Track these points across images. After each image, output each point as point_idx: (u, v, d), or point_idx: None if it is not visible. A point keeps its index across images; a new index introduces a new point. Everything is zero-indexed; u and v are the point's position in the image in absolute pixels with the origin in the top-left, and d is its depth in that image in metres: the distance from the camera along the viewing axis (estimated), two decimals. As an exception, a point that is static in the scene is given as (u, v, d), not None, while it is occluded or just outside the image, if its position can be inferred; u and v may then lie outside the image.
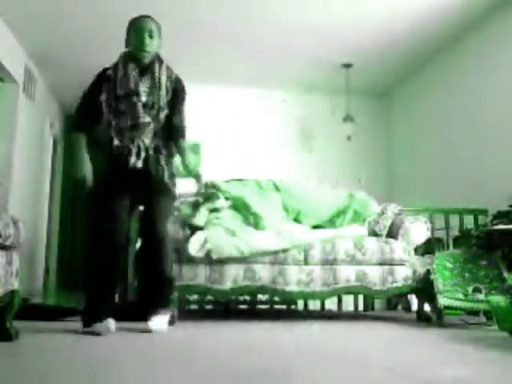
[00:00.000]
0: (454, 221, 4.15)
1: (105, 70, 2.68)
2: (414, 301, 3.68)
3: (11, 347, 2.07)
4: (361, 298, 4.30)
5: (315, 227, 3.52)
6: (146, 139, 2.54)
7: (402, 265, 3.27)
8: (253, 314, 3.79)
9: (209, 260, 3.04)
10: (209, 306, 4.05)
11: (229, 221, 3.36)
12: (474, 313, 3.31)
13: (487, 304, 2.73)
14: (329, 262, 3.20)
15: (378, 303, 4.62)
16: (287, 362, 1.83)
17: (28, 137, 5.38)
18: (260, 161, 5.81)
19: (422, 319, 3.26)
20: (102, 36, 4.91)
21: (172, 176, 2.74)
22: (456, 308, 3.12)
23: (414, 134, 5.85)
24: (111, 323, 2.45)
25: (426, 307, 3.29)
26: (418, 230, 3.40)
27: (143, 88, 2.54)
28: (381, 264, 3.24)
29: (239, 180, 3.71)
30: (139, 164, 2.52)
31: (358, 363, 1.82)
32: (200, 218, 3.30)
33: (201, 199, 3.47)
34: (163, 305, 2.58)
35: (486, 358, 1.97)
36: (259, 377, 1.60)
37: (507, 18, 4.27)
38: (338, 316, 3.71)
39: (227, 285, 3.06)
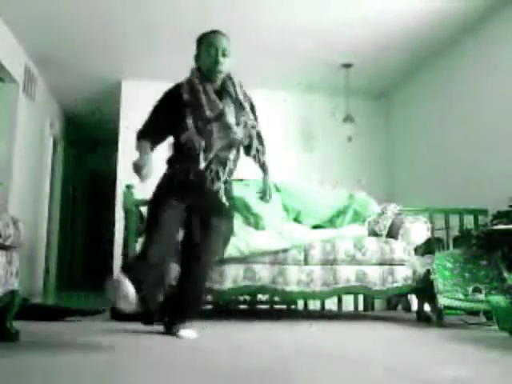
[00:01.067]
0: (454, 221, 4.15)
1: (180, 89, 2.55)
2: (414, 301, 3.68)
3: (11, 347, 2.07)
4: (361, 297, 4.30)
5: (315, 227, 3.52)
6: (228, 162, 2.51)
7: (402, 265, 3.26)
8: (253, 313, 3.79)
9: (209, 260, 3.03)
10: (209, 306, 4.05)
11: (229, 221, 3.36)
12: (473, 313, 3.31)
13: (487, 304, 2.73)
14: (329, 262, 3.20)
15: (378, 303, 4.62)
16: (287, 362, 1.83)
17: (28, 137, 5.38)
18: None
19: (422, 319, 3.26)
20: (102, 36, 4.92)
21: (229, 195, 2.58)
22: (456, 308, 3.12)
23: (414, 134, 5.85)
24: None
25: (426, 307, 3.29)
26: (418, 230, 3.40)
27: (228, 108, 2.44)
28: (381, 264, 3.24)
29: (239, 180, 3.71)
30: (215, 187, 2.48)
31: (357, 363, 1.82)
32: (200, 218, 3.29)
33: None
34: (189, 318, 2.49)
35: (486, 358, 1.97)
36: (259, 377, 1.60)
37: (504, 20, 4.27)
38: (337, 316, 3.71)
39: (227, 285, 3.06)
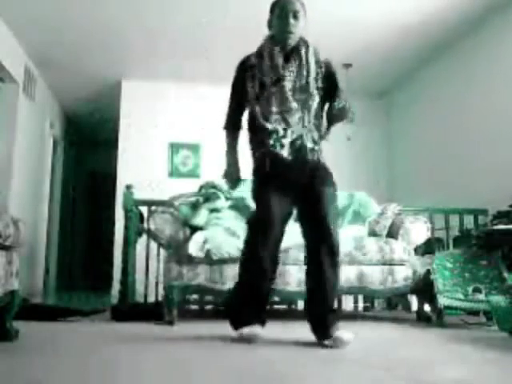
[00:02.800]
0: (454, 221, 4.15)
1: (248, 57, 2.43)
2: (414, 301, 3.68)
3: (11, 347, 2.07)
4: (361, 297, 4.30)
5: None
6: (296, 127, 2.30)
7: (402, 265, 3.26)
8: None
9: (209, 260, 3.04)
10: (209, 306, 4.05)
11: (229, 221, 3.36)
12: (473, 313, 3.31)
13: (487, 304, 2.73)
14: (329, 262, 3.20)
15: (378, 303, 4.62)
16: (287, 362, 1.83)
17: (28, 137, 5.38)
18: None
19: (422, 319, 3.26)
20: (102, 36, 4.92)
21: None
22: (456, 308, 3.12)
23: (413, 134, 5.85)
24: (258, 329, 2.25)
25: (426, 307, 3.29)
26: (418, 230, 3.40)
27: (289, 73, 2.31)
28: (381, 264, 3.23)
29: (239, 180, 3.70)
30: (288, 156, 2.28)
31: (357, 363, 1.82)
32: (200, 218, 3.30)
33: (201, 199, 3.47)
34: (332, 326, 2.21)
35: (485, 358, 1.97)
36: (259, 377, 1.60)
37: (505, 20, 4.27)
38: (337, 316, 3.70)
39: (227, 285, 3.06)
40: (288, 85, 2.30)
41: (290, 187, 2.31)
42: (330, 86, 2.38)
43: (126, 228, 3.69)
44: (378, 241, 3.32)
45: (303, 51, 2.36)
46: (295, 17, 2.32)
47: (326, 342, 2.14)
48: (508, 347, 2.25)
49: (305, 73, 2.33)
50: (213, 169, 5.78)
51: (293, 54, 2.35)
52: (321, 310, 2.25)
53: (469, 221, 4.12)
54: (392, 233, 3.47)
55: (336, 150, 6.21)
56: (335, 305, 2.38)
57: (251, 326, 2.23)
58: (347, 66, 5.45)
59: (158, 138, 6.01)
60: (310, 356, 1.96)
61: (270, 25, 2.43)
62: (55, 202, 6.82)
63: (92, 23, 4.66)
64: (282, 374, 1.63)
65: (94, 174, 8.72)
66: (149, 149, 5.97)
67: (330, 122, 2.45)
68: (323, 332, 2.19)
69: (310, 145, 2.31)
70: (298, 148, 2.29)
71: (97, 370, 1.68)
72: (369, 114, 6.22)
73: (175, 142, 6.04)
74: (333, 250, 2.24)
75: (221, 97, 6.95)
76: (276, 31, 2.37)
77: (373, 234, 3.54)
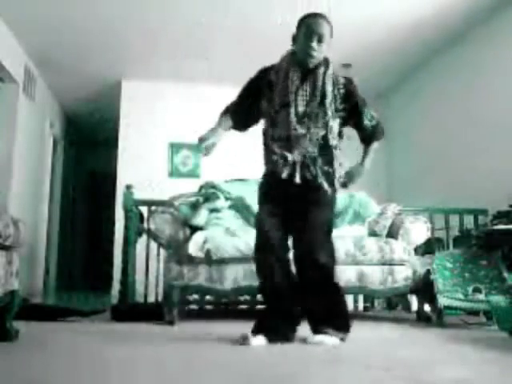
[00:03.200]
0: (454, 221, 4.15)
1: (269, 69, 2.37)
2: (414, 301, 3.68)
3: (11, 347, 2.07)
4: (361, 297, 4.30)
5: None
6: (298, 151, 2.27)
7: (402, 265, 3.26)
8: (253, 314, 3.78)
9: (209, 260, 3.04)
10: (209, 306, 4.05)
11: (229, 221, 3.36)
12: (473, 313, 3.31)
13: (487, 304, 2.73)
14: (329, 262, 3.19)
15: (378, 303, 4.61)
16: (287, 362, 1.83)
17: (28, 137, 5.38)
18: (260, 161, 5.79)
19: (422, 319, 3.26)
20: (102, 36, 4.92)
21: (332, 185, 2.34)
22: (456, 308, 3.12)
23: (413, 133, 5.85)
24: (259, 340, 2.16)
25: (426, 307, 3.29)
26: (418, 230, 3.40)
27: (301, 97, 2.28)
28: (381, 264, 3.23)
29: (239, 180, 3.71)
30: (293, 177, 2.26)
31: (357, 363, 1.82)
32: (200, 218, 3.30)
33: (201, 199, 3.47)
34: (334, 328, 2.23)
35: (485, 358, 1.97)
36: (258, 377, 1.60)
37: (505, 20, 4.27)
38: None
39: (227, 285, 3.06)
40: (294, 111, 2.27)
41: (287, 206, 2.30)
42: (351, 106, 2.39)
43: (126, 228, 3.69)
44: (378, 241, 3.32)
45: (321, 72, 2.31)
46: (320, 40, 2.26)
47: (308, 340, 2.18)
48: (508, 347, 2.25)
49: (318, 96, 2.29)
50: (213, 169, 5.79)
51: (310, 74, 2.30)
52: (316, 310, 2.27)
53: (469, 221, 4.11)
54: (392, 233, 3.47)
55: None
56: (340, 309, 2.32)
57: (257, 336, 2.17)
58: (347, 66, 5.45)
59: (158, 138, 6.01)
60: (310, 356, 1.96)
61: (294, 40, 2.37)
62: (55, 202, 6.83)
63: (92, 23, 4.66)
64: (281, 374, 1.63)
65: (94, 173, 8.72)
66: (149, 149, 5.97)
67: (368, 143, 2.55)
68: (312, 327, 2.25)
69: (313, 169, 2.29)
70: (300, 170, 2.26)
71: (97, 370, 1.68)
72: (369, 113, 6.22)
73: (175, 142, 6.04)
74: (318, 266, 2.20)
75: (221, 97, 6.93)
76: (298, 50, 2.31)
77: (373, 233, 3.54)
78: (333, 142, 2.36)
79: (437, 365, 1.81)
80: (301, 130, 2.26)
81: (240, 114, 2.45)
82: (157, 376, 1.59)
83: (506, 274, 2.92)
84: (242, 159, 5.69)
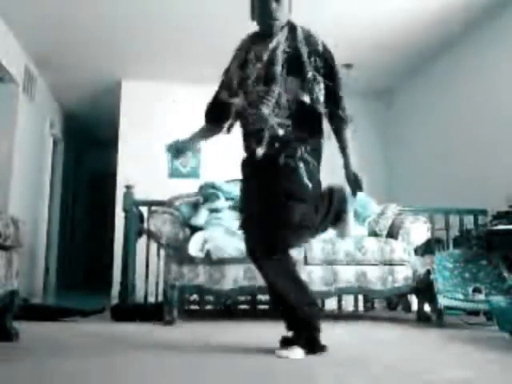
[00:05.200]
0: (454, 221, 4.15)
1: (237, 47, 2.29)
2: (414, 301, 3.68)
3: (11, 347, 2.07)
4: (361, 298, 4.29)
5: (315, 227, 3.51)
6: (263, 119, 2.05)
7: (402, 265, 3.26)
8: (253, 314, 3.79)
9: (209, 260, 3.04)
10: (209, 306, 4.05)
11: (229, 221, 3.36)
12: (474, 313, 3.31)
13: (487, 304, 2.73)
14: (329, 262, 3.20)
15: (378, 303, 4.61)
16: (287, 362, 1.83)
17: (28, 137, 5.38)
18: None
19: (422, 319, 3.26)
20: (102, 37, 4.91)
21: (308, 168, 2.09)
22: (456, 308, 3.12)
23: (413, 133, 5.84)
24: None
25: (426, 307, 3.29)
26: (418, 230, 3.40)
27: (258, 67, 2.08)
28: (381, 264, 3.23)
29: (239, 180, 3.70)
30: (259, 152, 2.06)
31: (357, 363, 1.82)
32: (200, 218, 3.30)
33: (201, 199, 3.47)
34: (298, 341, 1.96)
35: (486, 358, 1.97)
36: (258, 376, 1.60)
37: (506, 20, 4.26)
38: (338, 316, 3.71)
39: (227, 285, 3.06)
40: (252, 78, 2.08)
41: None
42: (326, 74, 2.11)
43: (126, 228, 3.70)
44: (378, 241, 3.32)
45: (283, 34, 2.10)
46: (278, 1, 2.07)
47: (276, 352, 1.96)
48: (508, 347, 2.25)
49: (279, 56, 2.06)
50: (213, 169, 5.79)
51: (268, 40, 2.10)
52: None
53: (469, 221, 4.11)
54: (392, 233, 3.47)
55: (335, 151, 6.24)
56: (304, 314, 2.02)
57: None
58: (348, 66, 5.45)
59: (158, 138, 6.00)
60: (310, 356, 1.96)
61: (252, 15, 2.19)
62: (55, 202, 6.82)
63: (92, 23, 4.66)
64: (281, 374, 1.63)
65: (94, 174, 8.72)
66: (149, 149, 5.96)
67: (340, 129, 2.29)
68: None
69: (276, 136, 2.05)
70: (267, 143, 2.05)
71: (97, 370, 1.68)
72: (368, 114, 6.22)
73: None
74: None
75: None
76: (258, 21, 2.14)
77: (373, 233, 3.54)
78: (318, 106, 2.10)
79: (437, 365, 1.81)
80: (257, 95, 2.07)
81: (215, 112, 2.29)
82: (157, 376, 1.59)
83: (506, 274, 2.92)
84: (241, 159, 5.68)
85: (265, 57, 2.09)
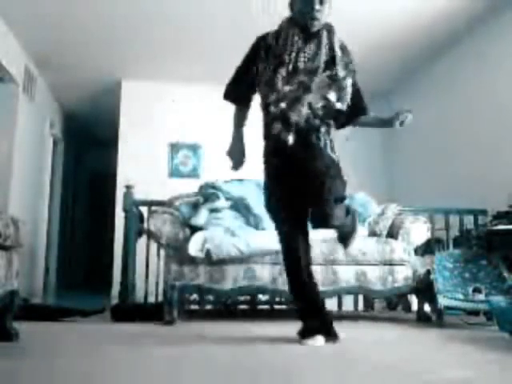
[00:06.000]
0: (454, 221, 4.15)
1: (266, 36, 2.27)
2: (414, 301, 3.68)
3: (11, 347, 2.07)
4: (361, 297, 4.29)
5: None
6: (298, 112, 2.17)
7: (402, 265, 3.26)
8: (253, 313, 3.79)
9: (209, 260, 3.04)
10: (209, 306, 4.05)
11: (229, 221, 3.36)
12: (474, 313, 3.31)
13: (487, 304, 2.73)
14: (329, 262, 3.20)
15: (378, 303, 4.61)
16: (287, 362, 1.83)
17: (28, 137, 5.38)
18: (260, 161, 5.80)
19: (422, 319, 3.26)
20: (102, 37, 4.92)
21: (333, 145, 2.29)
22: (456, 308, 3.11)
23: (413, 133, 5.84)
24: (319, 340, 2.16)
25: (426, 307, 3.29)
26: (418, 230, 3.40)
27: (303, 56, 2.18)
28: (381, 264, 3.23)
29: (239, 180, 3.71)
30: (290, 140, 2.15)
31: (357, 363, 1.82)
32: (200, 218, 3.30)
33: (201, 199, 3.47)
34: (321, 329, 2.20)
35: (486, 358, 1.97)
36: (258, 376, 1.60)
37: (506, 20, 4.26)
38: (338, 316, 3.71)
39: (227, 285, 3.06)
40: (290, 67, 2.16)
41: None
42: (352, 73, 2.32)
43: (126, 228, 3.69)
44: (378, 241, 3.33)
45: (325, 35, 2.22)
46: (321, 1, 2.14)
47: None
48: (508, 347, 2.24)
49: (324, 56, 2.20)
50: (213, 169, 5.79)
51: (312, 37, 2.21)
52: None
53: (469, 221, 4.11)
54: (392, 233, 3.47)
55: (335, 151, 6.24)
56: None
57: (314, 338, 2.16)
58: (347, 65, 5.45)
59: (158, 138, 6.00)
60: (310, 355, 1.96)
61: (291, 6, 2.24)
62: (55, 202, 6.82)
63: (92, 23, 4.66)
64: (281, 373, 1.63)
65: (94, 174, 8.72)
66: (149, 149, 5.96)
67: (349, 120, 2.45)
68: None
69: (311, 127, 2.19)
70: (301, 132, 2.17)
71: (97, 370, 1.68)
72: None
73: (175, 142, 6.04)
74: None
75: (221, 97, 6.92)
76: (299, 14, 2.19)
77: (373, 234, 3.54)
78: (343, 104, 2.25)
79: (437, 365, 1.81)
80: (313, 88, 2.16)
81: (240, 90, 2.37)
82: (157, 377, 1.59)
83: (506, 274, 2.92)
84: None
85: (308, 50, 2.19)
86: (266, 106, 2.24)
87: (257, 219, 3.38)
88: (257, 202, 3.45)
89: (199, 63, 5.49)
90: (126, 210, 3.72)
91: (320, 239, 3.29)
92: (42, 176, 6.10)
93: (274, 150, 2.27)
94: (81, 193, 8.68)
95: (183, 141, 6.03)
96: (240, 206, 3.49)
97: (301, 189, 2.18)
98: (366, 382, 1.54)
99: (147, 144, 5.95)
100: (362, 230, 3.53)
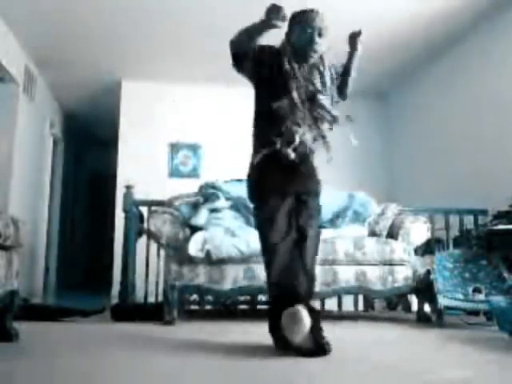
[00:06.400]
0: (454, 221, 4.15)
1: (274, 49, 2.32)
2: (414, 301, 3.68)
3: (11, 347, 2.07)
4: (361, 297, 4.29)
5: (315, 227, 3.51)
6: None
7: (402, 265, 3.26)
8: (253, 313, 3.79)
9: (209, 260, 3.04)
10: (209, 306, 4.05)
11: (229, 221, 3.36)
12: (474, 313, 3.31)
13: (487, 304, 2.73)
14: (329, 262, 3.20)
15: (378, 303, 4.61)
16: (287, 362, 1.83)
17: (28, 137, 5.38)
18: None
19: (422, 319, 3.26)
20: (102, 37, 4.92)
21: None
22: (456, 308, 3.11)
23: (413, 134, 5.85)
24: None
25: (426, 307, 3.29)
26: (418, 230, 3.40)
27: (302, 87, 2.25)
28: (381, 264, 3.23)
29: (239, 180, 3.70)
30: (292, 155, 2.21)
31: (357, 363, 1.82)
32: (200, 218, 3.30)
33: (201, 199, 3.47)
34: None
35: (486, 358, 1.97)
36: (258, 376, 1.60)
37: (506, 20, 4.26)
38: (338, 316, 3.71)
39: (227, 285, 3.06)
40: (297, 97, 2.22)
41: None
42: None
43: (126, 228, 3.69)
44: (378, 241, 3.33)
45: (321, 68, 2.31)
46: (320, 34, 2.21)
47: None
48: (508, 347, 2.25)
49: (318, 85, 2.29)
50: (213, 169, 5.79)
51: (314, 69, 2.30)
52: None
53: (469, 221, 4.11)
54: (392, 233, 3.47)
55: (336, 150, 6.24)
56: None
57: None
58: (347, 66, 5.45)
59: (158, 138, 6.01)
60: (309, 356, 1.95)
61: (288, 37, 2.29)
62: (55, 202, 6.82)
63: (92, 23, 4.66)
64: (281, 373, 1.63)
65: (94, 173, 8.72)
66: (149, 149, 5.96)
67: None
68: None
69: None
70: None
71: (97, 370, 1.68)
72: (369, 114, 6.22)
73: (175, 142, 6.04)
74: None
75: (220, 97, 6.95)
76: (298, 45, 2.25)
77: (373, 234, 3.54)
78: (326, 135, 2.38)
79: (437, 365, 1.81)
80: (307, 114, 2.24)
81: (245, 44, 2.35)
82: (157, 377, 1.59)
83: (506, 274, 2.92)
84: (241, 159, 5.68)
85: (314, 80, 2.29)
86: (269, 118, 2.24)
87: (257, 219, 3.37)
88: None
89: (199, 63, 5.49)
90: (125, 210, 3.72)
91: (320, 239, 3.29)
92: (42, 176, 6.10)
93: (271, 157, 2.23)
94: (81, 193, 8.68)
95: (183, 141, 6.03)
96: (240, 206, 3.49)
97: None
98: (366, 381, 1.54)
99: (147, 144, 5.95)
100: (362, 230, 3.54)
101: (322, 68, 2.31)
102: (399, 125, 6.17)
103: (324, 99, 2.29)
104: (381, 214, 3.62)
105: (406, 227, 3.40)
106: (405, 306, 4.09)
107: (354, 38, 2.40)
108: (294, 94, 2.21)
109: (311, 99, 2.25)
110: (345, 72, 2.47)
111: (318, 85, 2.28)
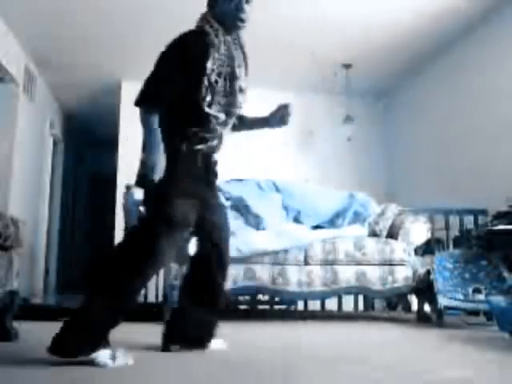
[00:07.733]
0: (454, 221, 4.15)
1: (207, 32, 1.97)
2: (414, 301, 3.68)
3: (11, 347, 2.07)
4: (361, 298, 4.30)
5: (315, 227, 3.52)
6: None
7: (402, 265, 3.26)
8: (253, 314, 3.79)
9: (209, 260, 3.03)
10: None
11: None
12: (474, 313, 3.31)
13: (487, 304, 2.73)
14: (329, 262, 3.20)
15: (378, 303, 4.61)
16: (287, 362, 1.83)
17: (28, 137, 5.38)
18: (260, 161, 5.80)
19: (422, 319, 3.26)
20: (102, 36, 4.91)
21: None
22: (456, 308, 3.12)
23: (413, 134, 5.84)
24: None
25: (426, 307, 3.29)
26: (418, 230, 3.40)
27: (239, 70, 2.00)
28: (381, 264, 3.24)
29: (239, 180, 3.71)
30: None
31: (357, 363, 1.82)
32: (200, 218, 3.29)
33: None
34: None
35: (486, 358, 1.97)
36: (259, 376, 1.60)
37: (507, 19, 4.26)
38: (337, 316, 3.71)
39: (227, 285, 3.06)
40: (240, 83, 1.99)
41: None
42: None
43: (126, 228, 3.69)
44: (378, 241, 3.33)
45: (242, 41, 2.04)
46: (248, 1, 1.94)
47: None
48: (508, 347, 2.25)
49: (244, 68, 2.06)
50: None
51: (237, 44, 2.03)
52: None
53: (469, 221, 4.11)
54: (392, 233, 3.47)
55: (336, 151, 6.24)
56: None
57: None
58: (347, 66, 5.45)
59: (158, 138, 6.00)
60: (310, 356, 1.96)
61: (211, 5, 2.00)
62: (55, 202, 6.82)
63: (92, 23, 4.65)
64: (281, 374, 1.63)
65: (94, 174, 8.72)
66: (149, 149, 5.96)
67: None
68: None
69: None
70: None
71: (96, 370, 1.68)
72: (368, 114, 6.22)
73: (175, 142, 6.03)
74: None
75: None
76: (225, 16, 1.95)
77: (373, 234, 3.54)
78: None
79: (437, 365, 1.81)
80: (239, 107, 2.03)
81: (166, 99, 1.98)
82: (158, 377, 1.59)
83: (506, 274, 2.92)
84: (241, 159, 5.69)
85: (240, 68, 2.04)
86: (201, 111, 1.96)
87: (257, 219, 3.38)
88: (257, 202, 3.45)
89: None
90: (126, 211, 3.72)
91: (320, 239, 3.29)
92: (42, 176, 6.09)
93: (198, 156, 2.08)
94: (81, 193, 8.67)
95: (183, 141, 6.03)
96: (240, 206, 3.49)
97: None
98: (365, 382, 1.54)
99: (147, 144, 5.95)
100: (362, 230, 3.54)
101: (242, 42, 2.04)
102: (399, 125, 6.17)
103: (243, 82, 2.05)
104: (381, 214, 3.63)
105: (406, 227, 3.40)
106: (405, 306, 4.09)
107: (286, 110, 2.13)
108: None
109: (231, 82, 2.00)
110: (247, 123, 2.29)
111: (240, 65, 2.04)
